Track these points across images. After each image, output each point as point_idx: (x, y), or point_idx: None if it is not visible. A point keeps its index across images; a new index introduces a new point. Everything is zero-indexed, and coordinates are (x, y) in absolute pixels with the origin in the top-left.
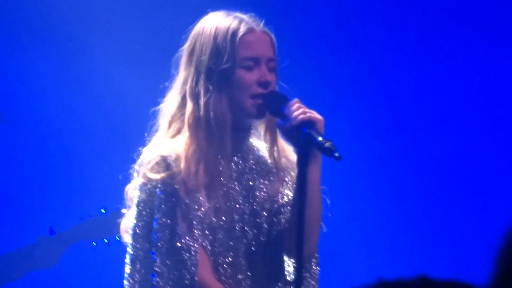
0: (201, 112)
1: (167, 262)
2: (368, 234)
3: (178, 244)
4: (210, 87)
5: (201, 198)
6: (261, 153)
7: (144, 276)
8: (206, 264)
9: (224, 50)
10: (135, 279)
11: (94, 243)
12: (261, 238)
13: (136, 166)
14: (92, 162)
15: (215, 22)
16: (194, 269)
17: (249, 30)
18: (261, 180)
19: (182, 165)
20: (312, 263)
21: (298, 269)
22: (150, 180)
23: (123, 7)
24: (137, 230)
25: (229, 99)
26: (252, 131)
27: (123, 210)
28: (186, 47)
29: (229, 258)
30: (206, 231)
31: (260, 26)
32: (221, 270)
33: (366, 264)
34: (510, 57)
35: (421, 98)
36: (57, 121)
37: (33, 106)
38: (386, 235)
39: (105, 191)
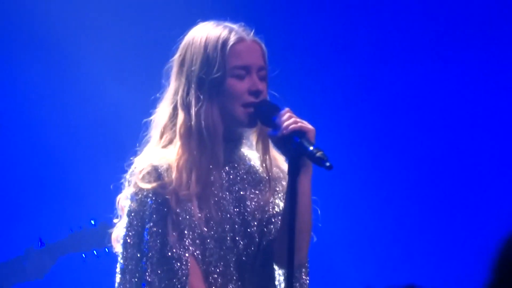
0: (193, 122)
1: (158, 271)
2: (358, 243)
3: (169, 253)
4: (201, 97)
5: (192, 208)
6: (252, 163)
7: (135, 286)
8: (197, 273)
9: (214, 59)
10: None
11: (83, 255)
12: (252, 248)
13: (127, 176)
14: (83, 172)
15: (205, 32)
16: (185, 279)
17: (239, 40)
18: (252, 189)
19: (174, 175)
20: (302, 273)
21: (289, 279)
22: (141, 189)
23: (114, 17)
24: (127, 240)
25: (221, 108)
26: (243, 140)
27: (114, 220)
28: (176, 58)
29: (220, 268)
30: (197, 241)
31: (250, 35)
32: (212, 280)
33: (355, 273)
34: (507, 57)
35: (413, 107)
36: (47, 131)
37: (23, 115)
38: (376, 245)
39: (96, 202)
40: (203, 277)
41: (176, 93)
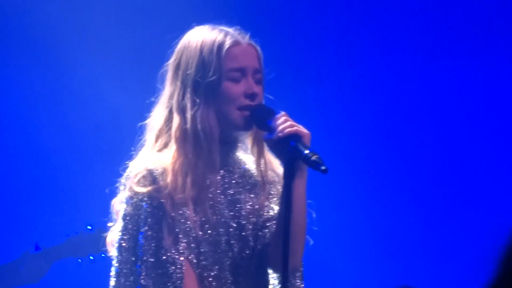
0: (188, 125)
1: (153, 275)
2: (352, 246)
3: (164, 257)
4: (197, 100)
5: (187, 211)
6: (247, 166)
7: None
8: (192, 277)
9: (210, 63)
10: None
11: (79, 259)
12: (247, 251)
13: (122, 180)
14: (80, 177)
15: (200, 36)
16: (179, 283)
17: (235, 43)
18: (247, 193)
19: (169, 178)
20: (297, 277)
21: (283, 284)
22: (136, 193)
23: (110, 21)
24: (122, 243)
25: (216, 111)
26: (239, 144)
27: (109, 224)
28: (171, 62)
29: (215, 272)
30: (192, 244)
31: (245, 38)
32: (207, 284)
33: (350, 276)
34: (506, 57)
35: (409, 108)
36: (43, 135)
37: (19, 118)
38: (371, 247)
39: (93, 206)
40: (198, 281)
41: (171, 96)
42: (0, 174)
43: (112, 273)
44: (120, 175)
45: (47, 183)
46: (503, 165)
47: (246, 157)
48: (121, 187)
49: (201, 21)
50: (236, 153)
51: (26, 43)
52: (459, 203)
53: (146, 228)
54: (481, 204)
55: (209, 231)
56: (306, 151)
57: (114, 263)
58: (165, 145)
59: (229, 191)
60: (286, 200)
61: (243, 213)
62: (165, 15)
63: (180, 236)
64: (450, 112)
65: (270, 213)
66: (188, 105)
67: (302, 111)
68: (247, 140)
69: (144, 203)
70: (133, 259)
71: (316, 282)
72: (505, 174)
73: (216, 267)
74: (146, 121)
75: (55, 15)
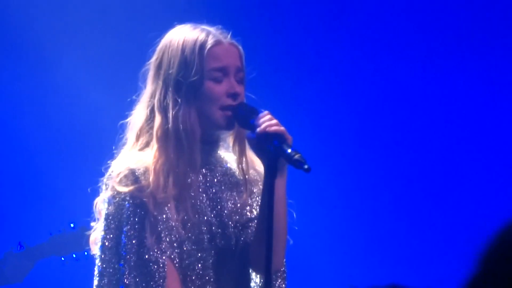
0: (170, 125)
1: (135, 274)
2: (338, 245)
3: (146, 256)
4: (179, 100)
5: (169, 210)
6: (229, 165)
7: None
8: (174, 276)
9: (192, 62)
10: None
11: (62, 258)
12: (229, 250)
13: (104, 179)
14: (63, 176)
15: (182, 35)
16: (162, 282)
17: (217, 42)
18: (229, 192)
19: (151, 178)
20: (278, 278)
21: (266, 285)
22: (118, 193)
23: (92, 20)
24: (105, 243)
25: (198, 111)
26: (220, 143)
27: (92, 223)
28: (153, 61)
29: (198, 270)
30: (174, 244)
31: (227, 38)
32: (189, 282)
33: (336, 276)
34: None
35: (391, 104)
36: (26, 134)
37: (0, 118)
38: (356, 246)
39: (76, 205)
40: (181, 279)
41: (153, 96)
42: None
43: (96, 272)
44: (103, 174)
45: (30, 182)
46: (495, 163)
47: (227, 155)
48: (103, 187)
49: (182, 20)
50: (218, 152)
51: (5, 40)
52: (448, 200)
53: (129, 227)
54: (472, 203)
55: (191, 230)
56: (289, 150)
57: (97, 262)
58: (147, 144)
59: (211, 190)
60: (269, 199)
61: (226, 211)
62: (146, 13)
63: (163, 235)
64: (439, 109)
65: (253, 213)
66: (170, 105)
67: (283, 110)
68: (229, 139)
69: (126, 203)
70: (116, 258)
71: (301, 283)
72: (497, 172)
73: (199, 265)
74: (127, 120)
75: (36, 13)
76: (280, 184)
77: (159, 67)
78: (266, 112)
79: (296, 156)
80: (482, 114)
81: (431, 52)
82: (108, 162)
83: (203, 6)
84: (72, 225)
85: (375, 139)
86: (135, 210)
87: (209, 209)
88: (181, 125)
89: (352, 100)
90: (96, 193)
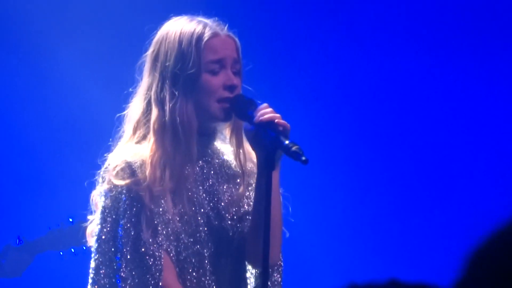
0: (167, 118)
1: (132, 267)
2: (338, 237)
3: (143, 249)
4: (176, 93)
5: (166, 203)
6: (225, 157)
7: (109, 281)
8: (171, 269)
9: (189, 55)
10: (100, 284)
11: (61, 252)
12: (226, 242)
13: (101, 172)
14: (61, 170)
15: (179, 27)
16: (158, 275)
17: (214, 35)
18: (226, 184)
19: (148, 171)
20: (274, 271)
21: (263, 278)
22: (115, 186)
23: (87, 13)
24: (102, 236)
25: (195, 103)
26: (217, 134)
27: (89, 217)
28: (149, 53)
29: (194, 263)
30: (171, 237)
31: (224, 30)
32: (186, 275)
33: (337, 268)
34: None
35: (389, 101)
36: (24, 128)
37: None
38: (356, 238)
39: (74, 199)
40: (177, 272)
41: (149, 88)
42: None
43: (92, 265)
44: (99, 167)
45: (28, 176)
46: (497, 162)
47: (224, 147)
48: (100, 179)
49: (178, 12)
50: (214, 144)
51: (3, 35)
52: (448, 196)
53: (125, 220)
54: (472, 200)
55: (188, 223)
56: (287, 142)
57: (93, 255)
58: (144, 137)
59: (207, 182)
60: (267, 192)
61: (222, 204)
62: (143, 6)
63: (159, 228)
64: (442, 106)
65: (251, 205)
66: (167, 97)
67: (279, 101)
68: (225, 131)
69: (123, 196)
70: (112, 251)
71: (301, 274)
72: (498, 170)
73: (196, 258)
74: (124, 113)
75: (33, 8)
76: (275, 177)
77: (155, 59)
78: (265, 104)
79: (294, 148)
80: (483, 113)
81: (434, 50)
82: (105, 155)
83: None
84: (70, 219)
85: (375, 133)
86: (131, 203)
87: (206, 201)
88: (178, 118)
89: (351, 92)
90: (93, 186)
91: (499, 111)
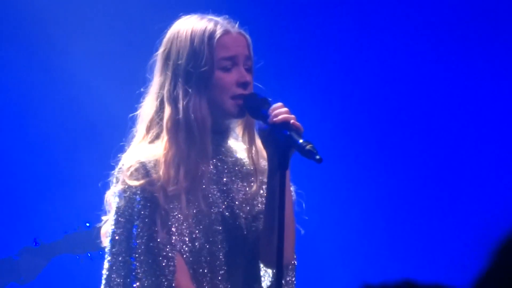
0: (180, 116)
1: (145, 268)
2: (353, 237)
3: (156, 250)
4: (189, 90)
5: (180, 203)
6: (238, 155)
7: (122, 282)
8: (184, 270)
9: (202, 53)
10: (113, 284)
11: (77, 256)
12: (240, 241)
13: (115, 173)
14: (79, 173)
15: (190, 25)
16: (172, 276)
17: (226, 32)
18: (240, 182)
19: (161, 170)
20: (289, 271)
21: (277, 278)
22: (129, 187)
23: (98, 13)
24: (115, 237)
25: (209, 101)
26: (229, 132)
27: (103, 217)
28: (161, 52)
29: (209, 263)
30: (185, 237)
31: (235, 27)
32: (200, 275)
33: (350, 268)
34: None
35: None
36: (39, 133)
37: (17, 117)
38: (369, 239)
39: (92, 203)
40: (191, 273)
41: (162, 87)
42: (2, 170)
43: (105, 265)
44: (114, 168)
45: (47, 179)
46: (498, 161)
47: (237, 145)
48: (114, 180)
49: (188, 11)
50: (228, 142)
51: (13, 34)
52: (456, 196)
53: (139, 221)
54: (477, 199)
55: (202, 222)
56: (301, 140)
57: (107, 256)
58: (157, 136)
59: (221, 180)
60: (281, 191)
61: (237, 202)
62: (153, 5)
63: (173, 228)
64: (439, 108)
65: (264, 205)
66: (180, 95)
67: (290, 99)
68: (237, 129)
69: (137, 196)
70: (126, 252)
71: (314, 274)
72: (502, 170)
73: (210, 258)
74: (136, 112)
75: (45, 7)
76: (286, 175)
77: (167, 58)
78: (280, 103)
79: (308, 147)
80: (495, 111)
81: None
82: (118, 155)
83: None
84: (88, 224)
85: (390, 132)
86: (145, 204)
87: (220, 200)
88: (192, 116)
89: (364, 90)
90: (107, 187)
91: (507, 110)
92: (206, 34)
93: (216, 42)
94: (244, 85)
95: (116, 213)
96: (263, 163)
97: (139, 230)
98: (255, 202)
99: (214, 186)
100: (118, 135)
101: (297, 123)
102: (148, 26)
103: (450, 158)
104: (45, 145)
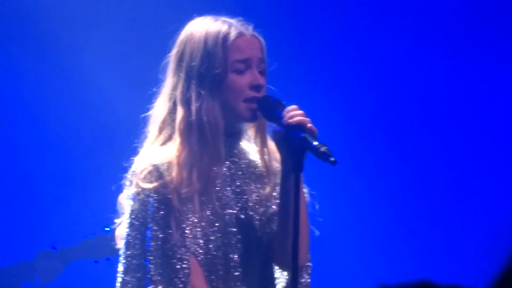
0: (193, 118)
1: (160, 271)
2: (367, 238)
3: (170, 253)
4: (202, 92)
5: (194, 205)
6: (251, 157)
7: (137, 284)
8: (199, 272)
9: (215, 55)
10: (127, 287)
11: (95, 261)
12: (255, 243)
13: (128, 176)
14: (97, 178)
15: (204, 27)
16: (187, 278)
17: (240, 34)
18: (253, 184)
19: (174, 172)
20: (303, 272)
21: (293, 279)
22: (143, 189)
23: (110, 14)
24: (129, 239)
25: (222, 103)
26: (242, 134)
27: (116, 220)
28: (174, 53)
29: (223, 265)
30: (199, 239)
31: (249, 30)
32: (215, 278)
33: (366, 269)
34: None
35: (411, 104)
36: (55, 136)
37: (31, 117)
38: (386, 239)
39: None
40: (206, 275)
41: (174, 88)
42: (18, 174)
43: (120, 268)
44: (126, 170)
45: (63, 182)
46: (502, 161)
47: (249, 147)
48: (127, 183)
49: (202, 13)
50: (240, 144)
51: (23, 36)
52: (462, 197)
53: (153, 224)
54: (482, 200)
55: (216, 224)
56: (315, 142)
57: (121, 259)
58: (169, 138)
59: (235, 182)
60: (296, 193)
61: (250, 204)
62: (165, 6)
63: (187, 231)
64: (443, 107)
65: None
66: (193, 97)
67: (303, 102)
68: (250, 130)
69: (151, 199)
70: (140, 255)
71: (330, 274)
72: (505, 171)
73: (224, 260)
74: (148, 113)
75: (53, 9)
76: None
77: (180, 59)
78: (295, 106)
79: (323, 149)
80: (501, 112)
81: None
82: (131, 158)
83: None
84: (107, 228)
85: (402, 136)
86: (159, 207)
87: (234, 202)
88: (204, 118)
89: (379, 94)
90: (121, 190)
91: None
92: (220, 36)
93: (230, 45)
94: (257, 87)
95: (130, 216)
96: (276, 165)
97: (153, 232)
98: (268, 204)
99: (228, 188)
100: (131, 137)
101: (313, 127)
102: (161, 27)
103: (469, 159)
104: (62, 148)
